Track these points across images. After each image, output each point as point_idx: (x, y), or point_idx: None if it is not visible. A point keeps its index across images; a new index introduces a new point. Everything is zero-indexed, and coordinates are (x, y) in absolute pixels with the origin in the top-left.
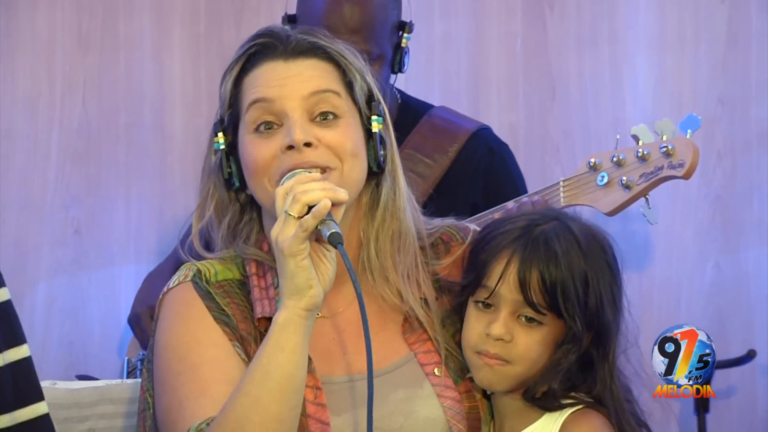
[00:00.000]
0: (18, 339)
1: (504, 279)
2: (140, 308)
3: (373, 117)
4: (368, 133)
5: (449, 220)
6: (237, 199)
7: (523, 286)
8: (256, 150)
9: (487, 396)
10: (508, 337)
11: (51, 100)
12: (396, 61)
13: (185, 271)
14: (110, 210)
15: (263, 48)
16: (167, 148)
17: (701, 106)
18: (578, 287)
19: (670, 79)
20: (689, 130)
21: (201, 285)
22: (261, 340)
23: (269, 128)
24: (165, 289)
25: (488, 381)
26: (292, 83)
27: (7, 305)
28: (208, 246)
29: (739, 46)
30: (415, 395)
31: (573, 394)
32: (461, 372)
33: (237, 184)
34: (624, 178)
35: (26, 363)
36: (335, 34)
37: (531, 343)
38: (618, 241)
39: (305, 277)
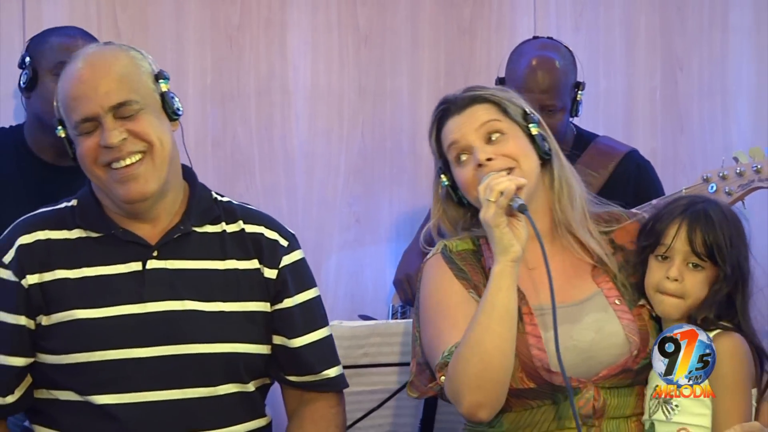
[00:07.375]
0: (306, 285)
1: (678, 236)
2: (400, 275)
3: (530, 125)
4: (531, 137)
5: (617, 207)
6: (467, 210)
7: (691, 241)
8: (464, 175)
9: (653, 318)
10: (681, 278)
11: (340, 134)
12: (573, 109)
13: (438, 247)
14: (379, 207)
15: (445, 111)
16: (417, 166)
17: None
18: (727, 243)
19: (764, 119)
20: None
21: (447, 254)
22: None
23: (465, 158)
24: (425, 259)
25: (667, 312)
26: (467, 124)
27: (303, 262)
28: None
29: None
30: (603, 317)
31: (720, 322)
32: (633, 302)
33: (465, 202)
34: (727, 187)
35: (312, 301)
36: (530, 94)
37: (696, 282)
38: None
39: (507, 239)
